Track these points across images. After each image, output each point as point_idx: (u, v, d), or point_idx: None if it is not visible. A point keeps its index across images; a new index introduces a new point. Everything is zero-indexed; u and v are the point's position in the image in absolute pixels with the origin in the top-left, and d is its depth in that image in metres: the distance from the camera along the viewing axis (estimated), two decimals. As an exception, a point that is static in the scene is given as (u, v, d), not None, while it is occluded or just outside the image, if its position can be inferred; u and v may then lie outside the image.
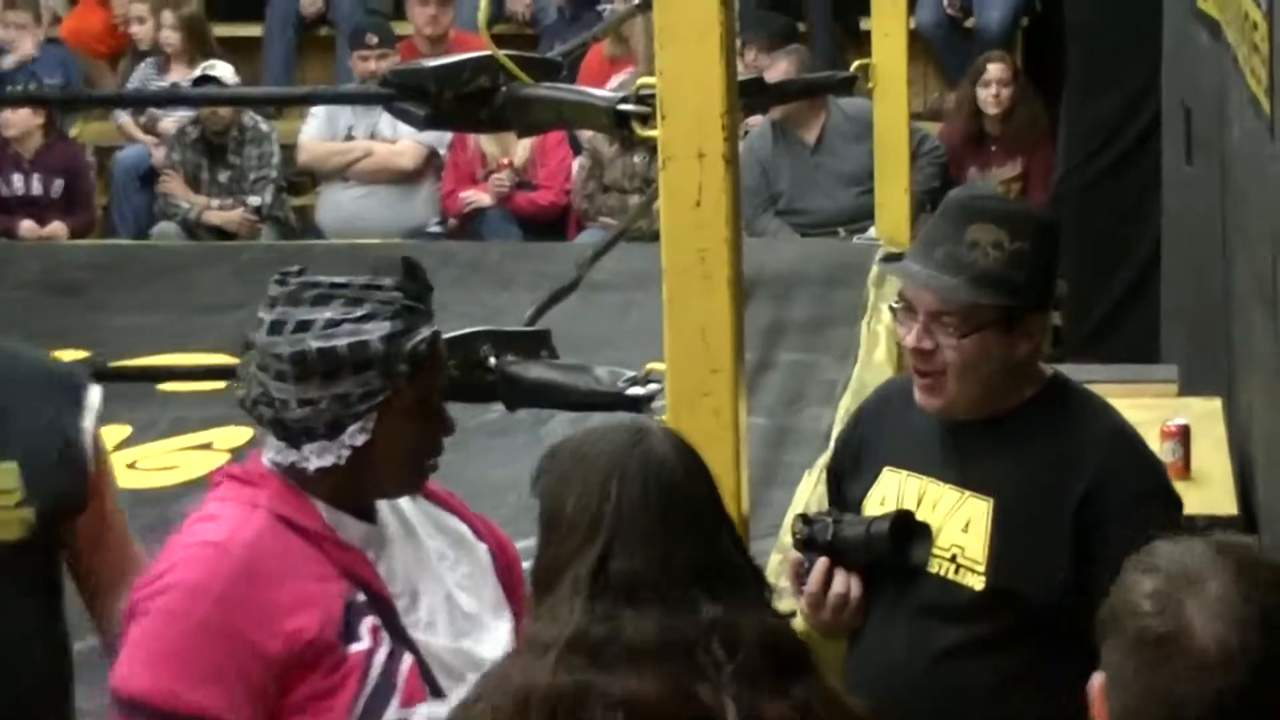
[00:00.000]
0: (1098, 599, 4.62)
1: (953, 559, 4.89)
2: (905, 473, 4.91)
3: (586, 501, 4.10)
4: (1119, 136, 10.93)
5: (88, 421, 5.08)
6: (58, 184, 13.24)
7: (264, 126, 13.26)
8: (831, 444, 5.59)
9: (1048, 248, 5.03)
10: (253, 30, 15.05)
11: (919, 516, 4.61)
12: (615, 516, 4.06)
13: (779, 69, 11.84)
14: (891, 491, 4.85)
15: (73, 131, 14.01)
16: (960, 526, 4.93)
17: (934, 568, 4.79)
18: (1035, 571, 4.89)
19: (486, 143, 12.76)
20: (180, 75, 13.51)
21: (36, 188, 13.24)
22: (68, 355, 7.94)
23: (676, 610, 4.02)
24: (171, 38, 13.71)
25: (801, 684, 4.01)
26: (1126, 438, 5.10)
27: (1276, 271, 6.20)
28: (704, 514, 4.11)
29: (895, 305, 5.06)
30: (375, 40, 13.23)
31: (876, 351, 8.07)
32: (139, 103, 14.13)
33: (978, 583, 4.89)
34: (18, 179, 13.26)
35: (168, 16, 13.76)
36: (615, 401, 7.10)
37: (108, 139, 14.10)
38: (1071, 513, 4.89)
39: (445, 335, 6.52)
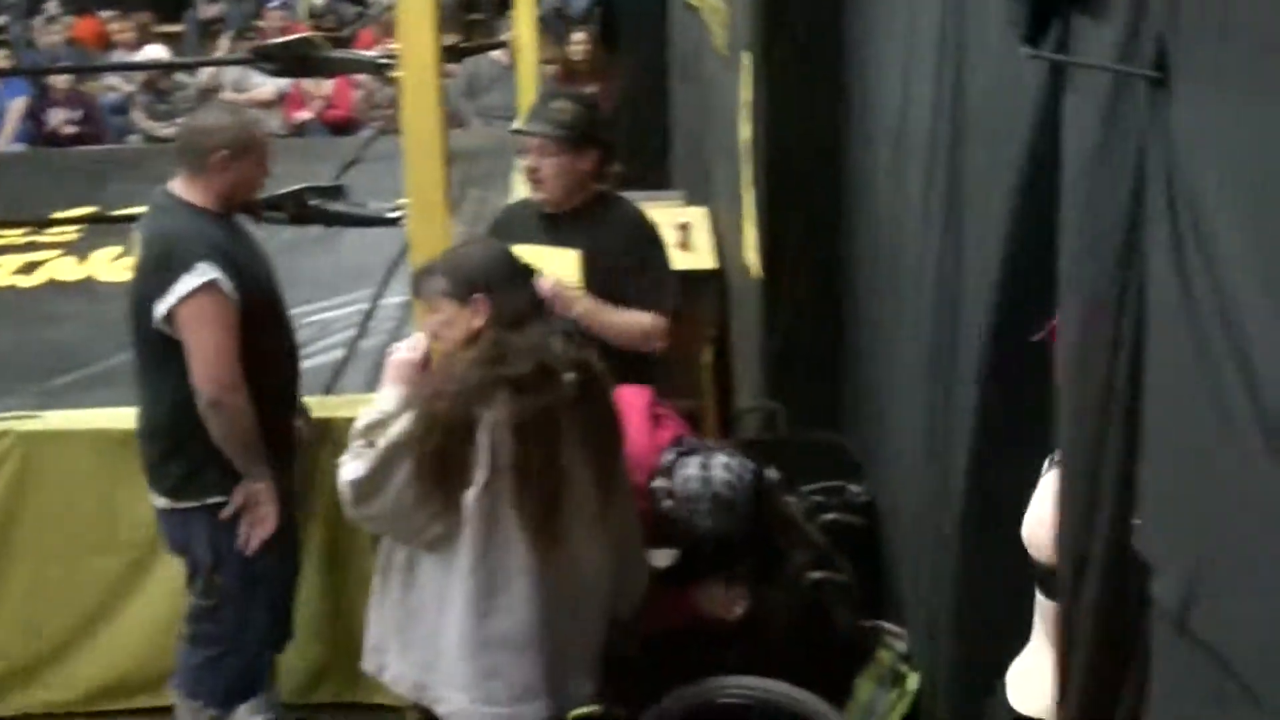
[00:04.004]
0: (641, 293, 4.85)
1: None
2: (524, 244, 4.56)
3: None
4: (650, 71, 11.02)
5: None
6: (78, 113, 12.47)
7: (188, 80, 12.73)
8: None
9: (593, 115, 5.02)
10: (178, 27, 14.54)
11: (536, 265, 4.19)
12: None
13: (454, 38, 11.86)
14: (520, 254, 4.24)
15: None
16: (561, 266, 4.84)
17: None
18: (606, 285, 4.85)
19: (308, 83, 12.47)
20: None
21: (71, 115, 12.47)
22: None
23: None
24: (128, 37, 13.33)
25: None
26: (642, 214, 5.09)
27: (729, 138, 6.36)
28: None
29: (522, 152, 5.07)
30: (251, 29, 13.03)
31: (520, 188, 7.88)
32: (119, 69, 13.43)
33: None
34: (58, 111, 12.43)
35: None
36: (382, 221, 7.20)
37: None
38: (622, 252, 4.89)
39: (286, 190, 6.56)
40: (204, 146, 4.57)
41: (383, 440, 3.75)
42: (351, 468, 3.78)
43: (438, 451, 3.67)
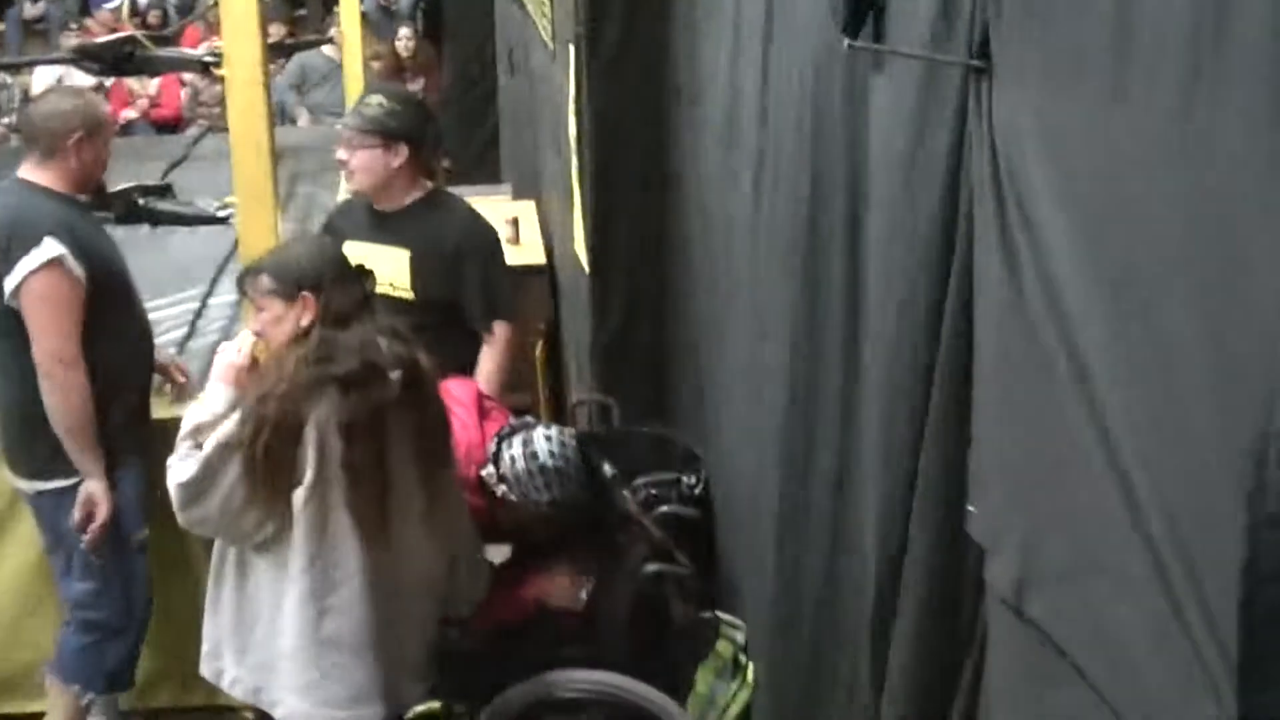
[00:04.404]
0: (466, 299, 4.84)
1: (391, 284, 4.78)
2: (355, 242, 4.73)
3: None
4: (477, 65, 10.95)
5: None
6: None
7: (10, 80, 12.56)
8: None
9: (406, 110, 4.95)
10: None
11: (366, 264, 4.00)
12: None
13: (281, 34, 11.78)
14: (350, 253, 4.19)
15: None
16: (391, 266, 4.82)
17: (381, 290, 4.34)
18: (438, 286, 4.85)
19: (133, 82, 12.31)
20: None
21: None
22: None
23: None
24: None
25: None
26: (476, 215, 5.06)
27: (557, 132, 6.33)
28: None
29: (342, 146, 4.98)
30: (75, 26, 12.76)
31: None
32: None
33: (409, 295, 4.84)
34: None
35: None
36: (212, 220, 7.15)
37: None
38: (452, 253, 4.84)
39: (117, 188, 6.43)
40: (57, 130, 4.58)
41: (211, 441, 3.67)
42: (180, 469, 3.69)
43: (266, 451, 3.58)
